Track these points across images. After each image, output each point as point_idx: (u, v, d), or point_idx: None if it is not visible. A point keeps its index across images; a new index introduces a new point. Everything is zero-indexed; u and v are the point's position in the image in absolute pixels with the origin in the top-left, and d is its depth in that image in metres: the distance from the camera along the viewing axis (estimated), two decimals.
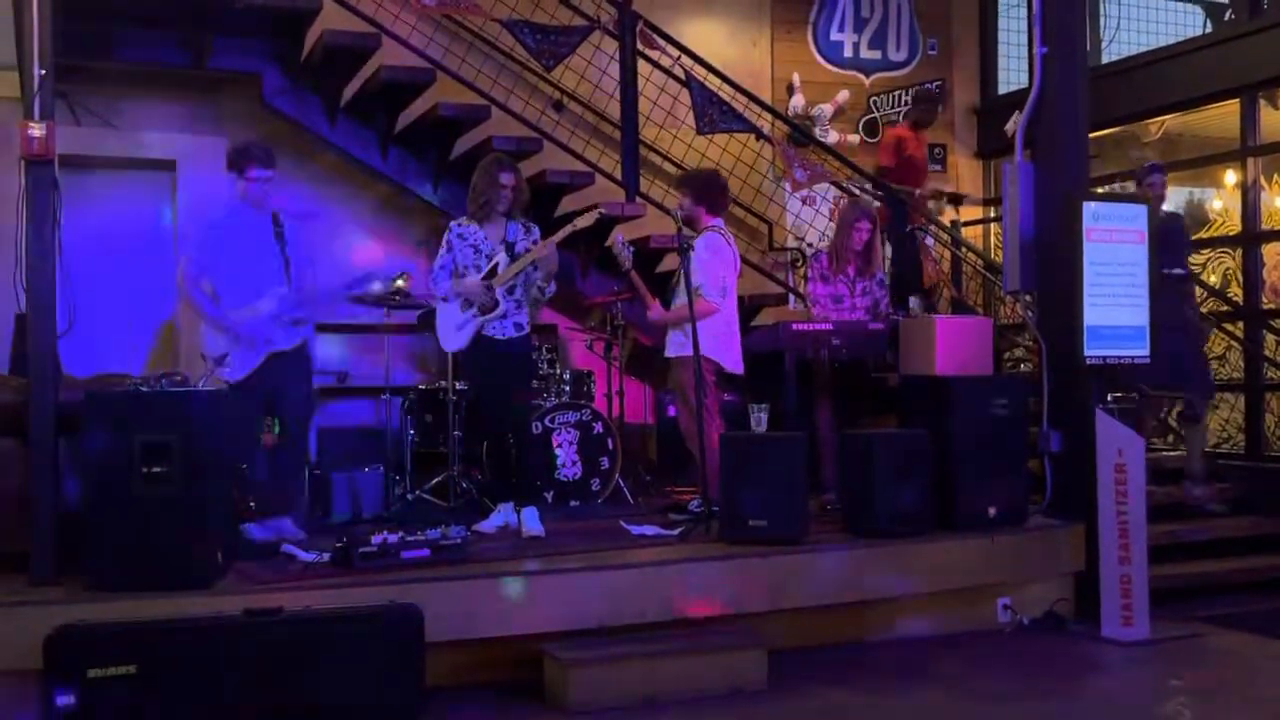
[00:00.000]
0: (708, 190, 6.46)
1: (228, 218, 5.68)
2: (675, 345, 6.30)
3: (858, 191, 8.70)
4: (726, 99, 7.99)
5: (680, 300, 6.18)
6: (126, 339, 7.43)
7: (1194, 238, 9.42)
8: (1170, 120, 9.50)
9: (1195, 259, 9.03)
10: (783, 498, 5.48)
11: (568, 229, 5.99)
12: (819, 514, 6.24)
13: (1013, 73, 10.36)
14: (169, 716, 4.12)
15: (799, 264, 9.17)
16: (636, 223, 7.64)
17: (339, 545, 4.99)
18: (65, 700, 3.99)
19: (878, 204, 8.51)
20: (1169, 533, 6.72)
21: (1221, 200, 9.48)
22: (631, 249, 6.33)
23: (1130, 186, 9.46)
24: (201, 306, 5.61)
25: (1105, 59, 9.82)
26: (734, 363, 6.33)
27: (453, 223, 6.13)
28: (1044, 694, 4.92)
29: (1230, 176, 9.07)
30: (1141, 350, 6.20)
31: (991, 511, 5.91)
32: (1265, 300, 8.49)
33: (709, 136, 8.25)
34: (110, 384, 5.49)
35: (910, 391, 6.27)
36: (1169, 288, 7.02)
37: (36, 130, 4.64)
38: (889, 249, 8.44)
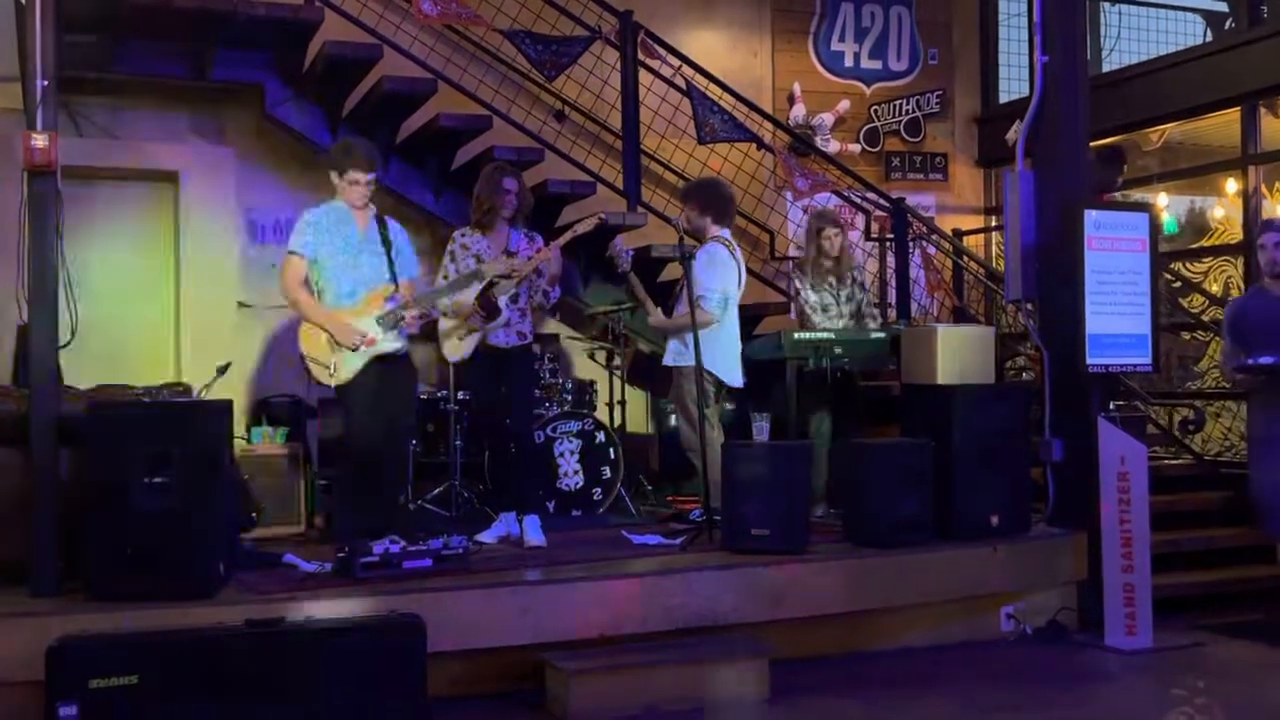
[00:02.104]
0: (713, 199, 6.43)
1: (330, 213, 5.58)
2: (673, 355, 6.29)
3: (858, 200, 8.72)
4: (727, 108, 8.01)
5: (682, 309, 6.18)
6: (129, 350, 7.43)
7: (1195, 246, 9.44)
8: (1171, 129, 9.50)
9: (1196, 267, 9.04)
10: (784, 507, 5.47)
11: (569, 234, 6.00)
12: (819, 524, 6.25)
13: (1013, 82, 10.38)
14: None
15: (794, 276, 9.18)
16: (638, 232, 7.65)
17: (341, 555, 4.99)
18: (68, 711, 3.99)
19: (882, 213, 8.53)
20: (1172, 541, 6.70)
21: (1223, 209, 9.48)
22: (630, 252, 6.33)
23: (1134, 195, 9.48)
24: (303, 304, 5.50)
25: (1106, 68, 9.84)
26: (732, 375, 6.31)
27: (456, 232, 6.13)
28: (1047, 704, 4.91)
29: (1231, 185, 9.07)
30: (1144, 358, 6.19)
31: (994, 520, 5.90)
32: None
33: (710, 146, 8.27)
34: (112, 395, 5.50)
35: (912, 401, 6.27)
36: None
37: (39, 141, 4.64)
38: (891, 258, 8.46)
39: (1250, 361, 5.82)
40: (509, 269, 5.77)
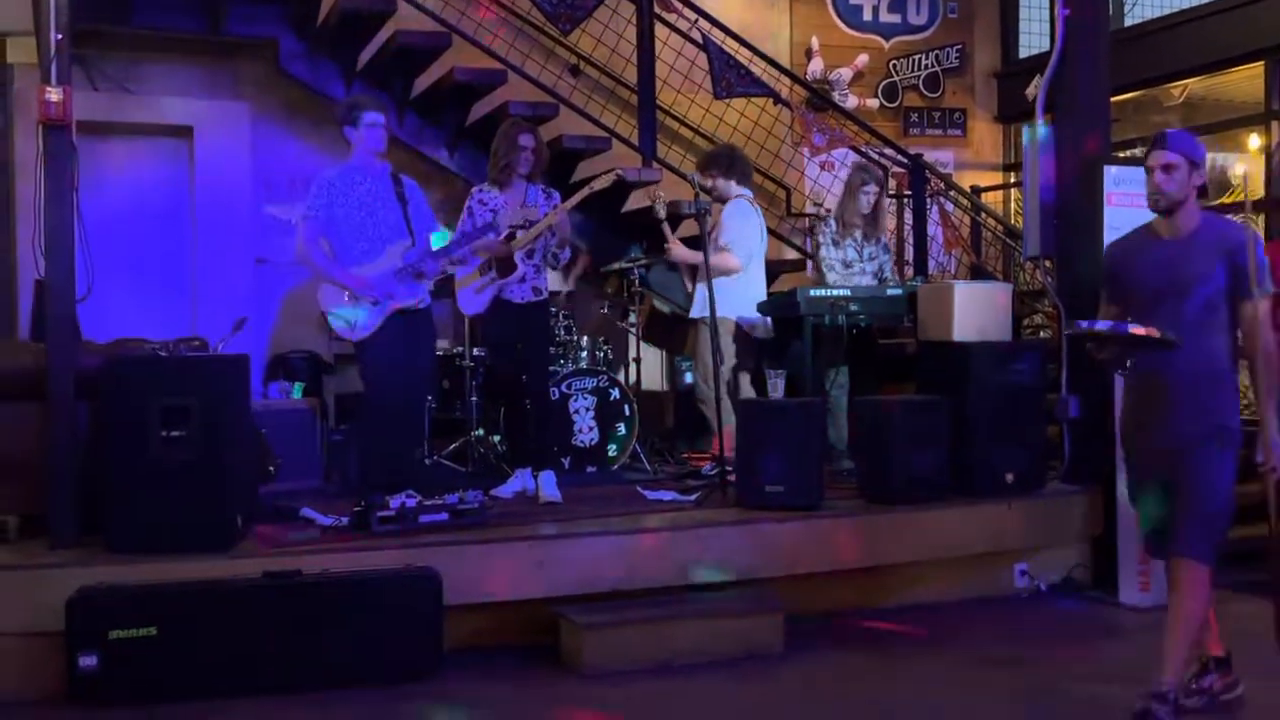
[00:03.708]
0: (733, 163, 6.62)
1: (344, 174, 5.54)
2: (700, 306, 6.34)
3: (876, 156, 8.66)
4: (744, 63, 7.94)
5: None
6: (145, 304, 7.46)
7: (1217, 202, 9.35)
8: (1193, 83, 9.40)
9: None
10: (799, 464, 5.47)
11: (585, 191, 5.97)
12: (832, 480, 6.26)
13: (1034, 36, 10.27)
14: (189, 678, 4.18)
15: (817, 229, 9.14)
16: (653, 188, 7.61)
17: (357, 509, 5.01)
18: (88, 662, 4.05)
19: (900, 169, 8.48)
20: None
21: (1244, 165, 9.38)
22: (664, 202, 6.41)
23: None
24: (320, 265, 5.48)
25: (1128, 21, 9.71)
26: (758, 327, 6.45)
27: (474, 188, 6.12)
28: (1061, 659, 4.92)
29: (1254, 140, 8.98)
30: None
31: (1009, 478, 5.89)
32: None
33: (726, 101, 8.21)
34: (129, 349, 5.52)
35: (928, 358, 6.25)
36: None
37: (54, 95, 4.63)
38: (909, 215, 8.40)
39: (1084, 325, 4.26)
40: (523, 219, 5.76)
